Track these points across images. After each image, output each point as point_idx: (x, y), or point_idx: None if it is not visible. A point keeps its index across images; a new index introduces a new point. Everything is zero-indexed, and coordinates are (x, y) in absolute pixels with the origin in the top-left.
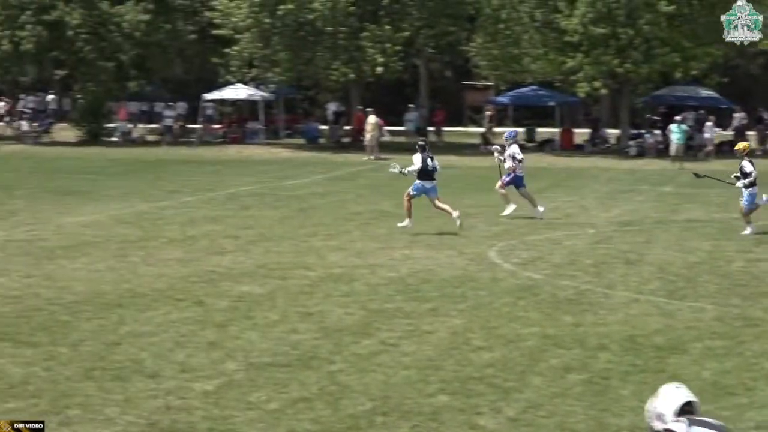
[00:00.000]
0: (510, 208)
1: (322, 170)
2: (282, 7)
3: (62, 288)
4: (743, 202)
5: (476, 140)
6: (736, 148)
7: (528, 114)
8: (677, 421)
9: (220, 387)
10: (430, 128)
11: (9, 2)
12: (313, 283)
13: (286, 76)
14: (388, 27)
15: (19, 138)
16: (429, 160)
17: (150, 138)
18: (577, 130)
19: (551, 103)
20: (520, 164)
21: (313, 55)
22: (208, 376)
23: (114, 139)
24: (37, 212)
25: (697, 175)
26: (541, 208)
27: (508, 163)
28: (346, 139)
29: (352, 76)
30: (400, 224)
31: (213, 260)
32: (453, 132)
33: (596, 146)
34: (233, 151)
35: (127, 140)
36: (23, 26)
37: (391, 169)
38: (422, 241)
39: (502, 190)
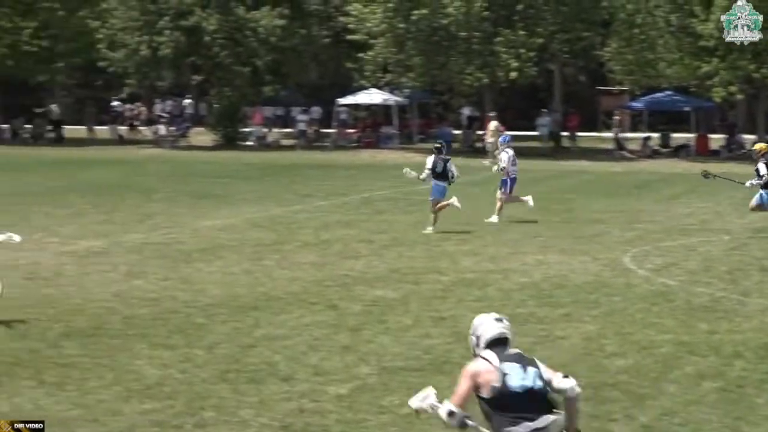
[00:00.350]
0: (529, 200)
1: None
2: (416, 12)
3: (198, 291)
4: (754, 201)
5: (610, 145)
6: (753, 148)
7: (663, 119)
8: (490, 354)
9: (353, 390)
10: (564, 133)
11: (148, 8)
12: (446, 287)
13: (420, 80)
14: (522, 32)
15: (156, 142)
16: (442, 163)
17: (284, 142)
18: (712, 136)
19: (686, 108)
20: (504, 170)
21: (447, 60)
22: (342, 379)
23: (249, 143)
24: (174, 215)
25: (706, 176)
26: (495, 219)
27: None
28: (479, 144)
29: (486, 80)
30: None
31: (347, 264)
32: (587, 137)
33: (732, 152)
34: (367, 155)
35: (262, 144)
36: (161, 32)
37: (407, 175)
38: (555, 246)
39: (509, 200)
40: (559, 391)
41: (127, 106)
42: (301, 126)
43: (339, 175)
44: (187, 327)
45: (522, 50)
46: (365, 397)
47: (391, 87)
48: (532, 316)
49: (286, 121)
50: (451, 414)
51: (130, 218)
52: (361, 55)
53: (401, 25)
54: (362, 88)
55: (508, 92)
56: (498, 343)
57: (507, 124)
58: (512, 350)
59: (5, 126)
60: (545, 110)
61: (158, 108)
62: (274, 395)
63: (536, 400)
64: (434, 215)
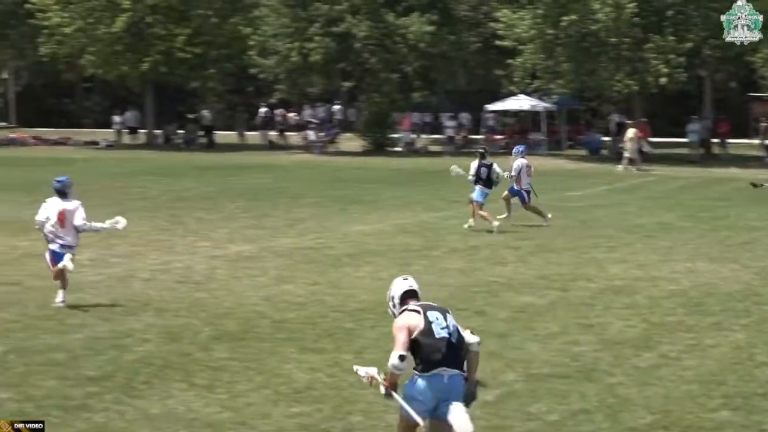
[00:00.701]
0: (547, 217)
1: (604, 182)
2: (566, 18)
3: (347, 295)
4: None
5: (761, 152)
6: None
7: None
8: (415, 305)
9: (501, 397)
10: (715, 140)
11: (299, 15)
12: (594, 294)
13: (569, 87)
14: (672, 37)
15: (306, 147)
16: (484, 168)
17: (433, 148)
18: None
19: None
20: (512, 178)
21: (596, 66)
22: (489, 385)
23: (398, 149)
24: (323, 220)
25: (756, 186)
26: (498, 221)
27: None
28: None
29: (635, 88)
30: (495, 224)
31: (494, 270)
32: (738, 144)
33: None
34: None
35: (411, 150)
36: (312, 38)
37: (454, 173)
38: (705, 255)
39: (528, 210)
40: (468, 344)
41: (277, 111)
42: (450, 132)
43: None
44: (336, 331)
45: (672, 56)
46: (512, 404)
47: (540, 93)
48: (681, 324)
49: (434, 127)
50: (402, 358)
51: (280, 223)
52: (509, 61)
53: (550, 31)
54: (511, 94)
55: (658, 99)
56: (409, 296)
57: (656, 130)
58: (431, 303)
59: (158, 131)
60: (695, 117)
61: (308, 114)
62: None
63: (453, 349)
64: (474, 215)
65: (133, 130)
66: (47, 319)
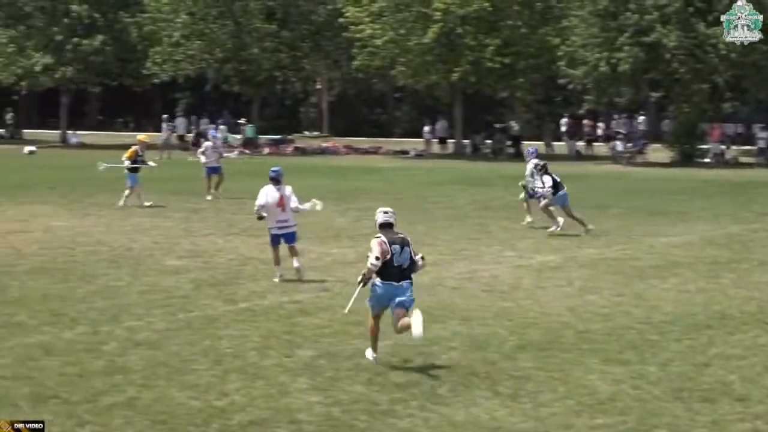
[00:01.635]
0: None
1: None
2: None
3: (652, 307)
4: None
5: None
6: None
7: None
8: (384, 236)
9: None
10: None
11: (608, 25)
12: None
13: None
14: None
15: (613, 158)
16: (550, 179)
17: (744, 160)
18: None
19: None
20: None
21: None
22: None
23: (706, 160)
24: (628, 231)
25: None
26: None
27: (537, 183)
28: None
29: None
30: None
31: None
32: None
33: None
34: None
35: (720, 162)
36: (621, 48)
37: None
38: None
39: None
40: (416, 262)
41: (585, 122)
42: (761, 143)
43: None
44: (640, 343)
45: None
46: None
47: None
48: None
49: (746, 138)
50: (377, 258)
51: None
52: None
53: None
54: None
55: None
56: (385, 226)
57: None
58: (398, 234)
59: (466, 141)
60: None
61: (617, 124)
62: (728, 415)
63: (404, 270)
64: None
65: (442, 140)
66: (356, 324)
